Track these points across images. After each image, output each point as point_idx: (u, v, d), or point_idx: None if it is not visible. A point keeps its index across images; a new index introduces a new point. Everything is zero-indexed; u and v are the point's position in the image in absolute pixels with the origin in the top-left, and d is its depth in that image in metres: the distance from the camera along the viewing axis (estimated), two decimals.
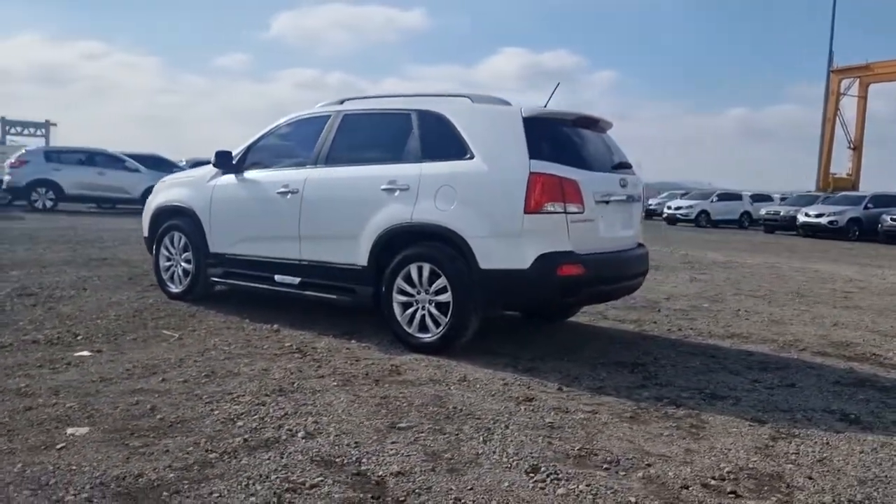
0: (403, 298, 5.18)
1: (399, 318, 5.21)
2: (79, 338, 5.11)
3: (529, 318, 6.45)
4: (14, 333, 5.13)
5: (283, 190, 5.88)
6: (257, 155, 6.29)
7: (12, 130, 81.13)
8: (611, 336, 6.05)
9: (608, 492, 2.90)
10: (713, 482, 3.05)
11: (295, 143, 6.11)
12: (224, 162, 6.35)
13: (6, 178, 19.17)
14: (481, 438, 3.42)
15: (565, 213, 4.84)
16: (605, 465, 3.17)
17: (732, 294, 8.87)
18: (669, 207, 32.38)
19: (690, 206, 31.74)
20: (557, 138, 5.18)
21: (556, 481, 2.97)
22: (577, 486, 2.92)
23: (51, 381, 4.06)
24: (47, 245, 10.50)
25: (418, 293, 5.12)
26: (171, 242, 6.78)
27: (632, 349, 5.52)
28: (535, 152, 4.85)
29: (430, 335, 5.08)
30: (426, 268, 5.06)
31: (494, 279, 4.84)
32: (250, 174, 6.25)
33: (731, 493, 2.95)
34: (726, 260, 13.72)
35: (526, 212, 4.76)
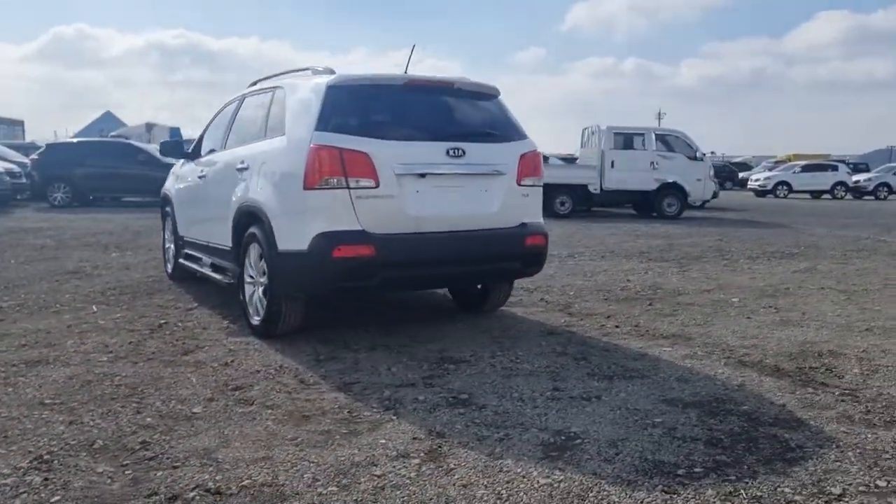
0: (248, 279, 5.07)
1: (243, 299, 5.11)
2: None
3: (462, 307, 5.86)
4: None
5: (200, 174, 6.12)
6: (206, 142, 6.58)
7: None
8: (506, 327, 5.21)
9: None
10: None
11: (220, 128, 6.28)
12: (171, 151, 6.77)
13: None
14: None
15: (348, 188, 4.32)
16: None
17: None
18: (756, 180, 33.43)
19: (768, 178, 32.96)
20: (367, 108, 4.64)
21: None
22: None
23: None
24: None
25: (256, 275, 4.97)
26: (164, 226, 7.42)
27: (494, 341, 4.72)
28: (327, 124, 4.41)
29: (257, 319, 4.92)
30: (255, 249, 4.89)
31: (286, 261, 4.51)
32: (193, 161, 6.57)
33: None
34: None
35: (305, 188, 4.37)
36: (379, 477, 2.77)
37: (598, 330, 5.29)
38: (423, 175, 4.52)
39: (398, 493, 2.65)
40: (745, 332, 5.22)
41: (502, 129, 5.03)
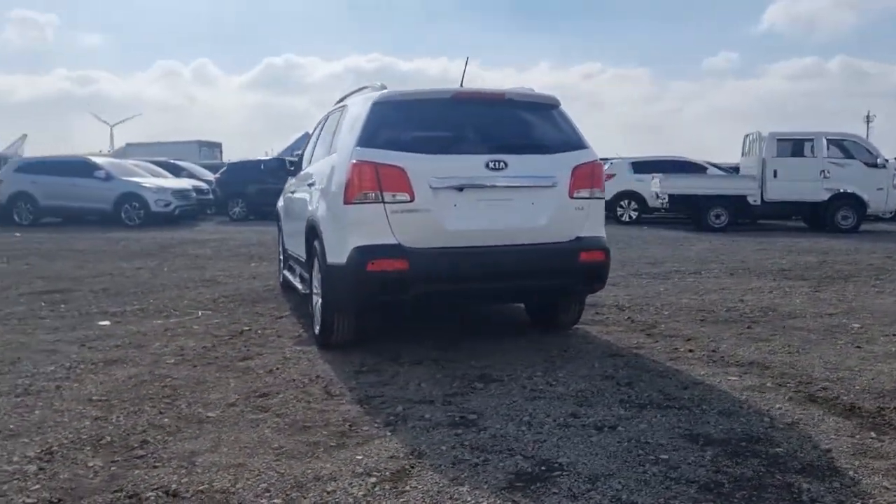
0: (314, 290, 5.28)
1: (311, 309, 5.32)
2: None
3: (535, 322, 5.69)
4: None
5: (292, 191, 6.48)
6: (304, 160, 6.93)
7: None
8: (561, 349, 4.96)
9: None
10: None
11: (310, 146, 6.58)
12: (275, 169, 7.20)
13: None
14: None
15: (383, 202, 4.36)
16: None
17: None
18: None
19: None
20: (409, 123, 4.67)
21: None
22: None
23: None
24: None
25: (317, 286, 5.17)
26: (278, 239, 7.92)
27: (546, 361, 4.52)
28: (369, 140, 4.50)
29: (317, 329, 5.10)
30: (316, 262, 5.09)
31: (332, 274, 4.64)
32: (294, 178, 6.94)
33: None
34: None
35: (345, 202, 4.47)
36: (328, 493, 2.77)
37: (667, 353, 4.89)
38: (460, 188, 4.45)
39: None
40: (840, 363, 4.58)
41: (555, 139, 4.84)
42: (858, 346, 5.01)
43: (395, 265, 4.34)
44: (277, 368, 4.55)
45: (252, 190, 19.58)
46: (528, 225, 4.63)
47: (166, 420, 3.61)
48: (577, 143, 4.87)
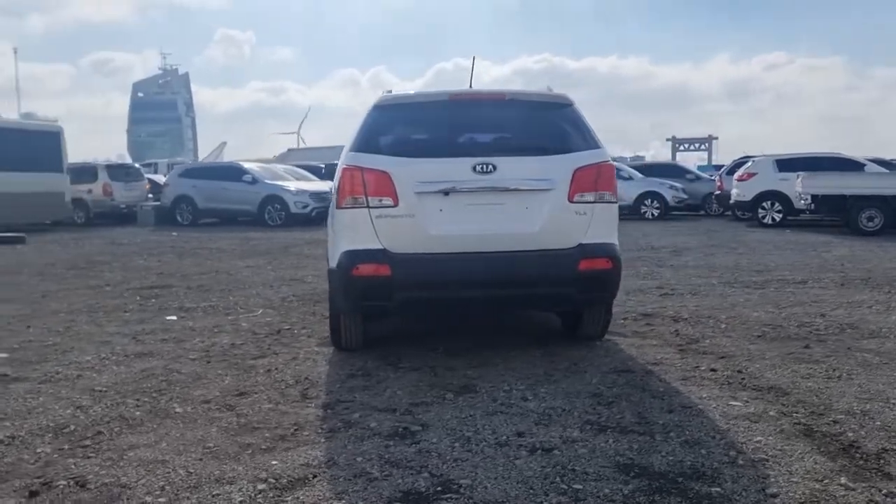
0: None
1: None
2: None
3: (568, 331, 5.42)
4: None
5: None
6: None
7: (681, 147, 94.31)
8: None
9: None
10: None
11: None
12: None
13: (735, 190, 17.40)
14: None
15: (368, 207, 4.35)
16: None
17: None
18: None
19: None
20: (404, 126, 4.65)
21: None
22: None
23: None
24: None
25: None
26: None
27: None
28: (362, 145, 4.52)
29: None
30: None
31: (330, 278, 4.71)
32: None
33: None
34: None
35: (337, 207, 4.53)
36: (212, 496, 2.82)
37: (684, 372, 4.47)
38: (446, 193, 4.34)
39: None
40: (879, 393, 3.95)
41: (557, 141, 4.59)
42: None
43: (379, 270, 4.32)
44: (278, 368, 4.69)
45: None
46: (521, 230, 4.42)
47: (137, 413, 3.85)
48: (583, 145, 4.58)
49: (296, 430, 3.58)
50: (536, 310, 5.43)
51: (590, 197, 4.47)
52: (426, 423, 3.60)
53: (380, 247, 4.36)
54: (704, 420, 3.59)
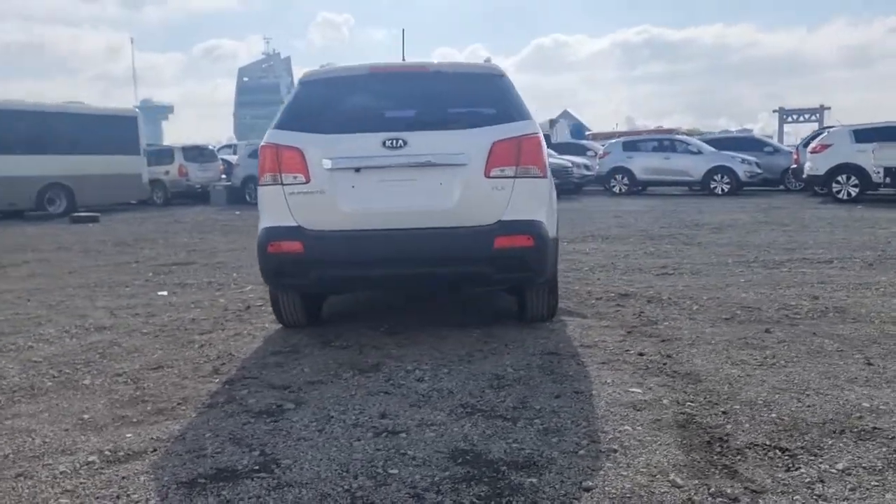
0: None
1: None
2: None
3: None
4: None
5: None
6: None
7: (789, 119, 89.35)
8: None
9: None
10: None
11: None
12: None
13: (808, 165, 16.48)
14: None
15: (282, 184, 4.33)
16: None
17: None
18: None
19: None
20: (322, 102, 4.55)
21: None
22: None
23: None
24: None
25: None
26: None
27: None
28: (283, 121, 4.50)
29: None
30: None
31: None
32: None
33: None
34: None
35: (258, 185, 4.53)
36: (43, 466, 2.91)
37: (609, 355, 4.24)
38: (357, 169, 4.26)
39: (25, 483, 2.76)
40: (804, 383, 3.61)
41: (478, 114, 4.43)
42: (870, 364, 3.89)
43: (292, 248, 4.30)
44: (212, 343, 4.79)
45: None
46: (435, 207, 4.28)
47: (48, 384, 4.02)
48: (506, 117, 4.37)
49: (178, 404, 3.64)
50: (457, 289, 5.26)
51: (510, 171, 4.27)
52: (302, 402, 3.58)
53: (294, 224, 4.34)
54: (585, 407, 3.39)
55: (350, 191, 4.30)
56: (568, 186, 19.50)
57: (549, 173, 4.49)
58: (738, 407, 3.31)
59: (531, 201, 4.36)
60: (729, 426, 3.09)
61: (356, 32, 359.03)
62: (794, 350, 4.21)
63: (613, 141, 22.54)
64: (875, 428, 3.00)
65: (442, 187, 4.28)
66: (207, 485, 2.69)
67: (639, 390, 3.60)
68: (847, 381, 3.62)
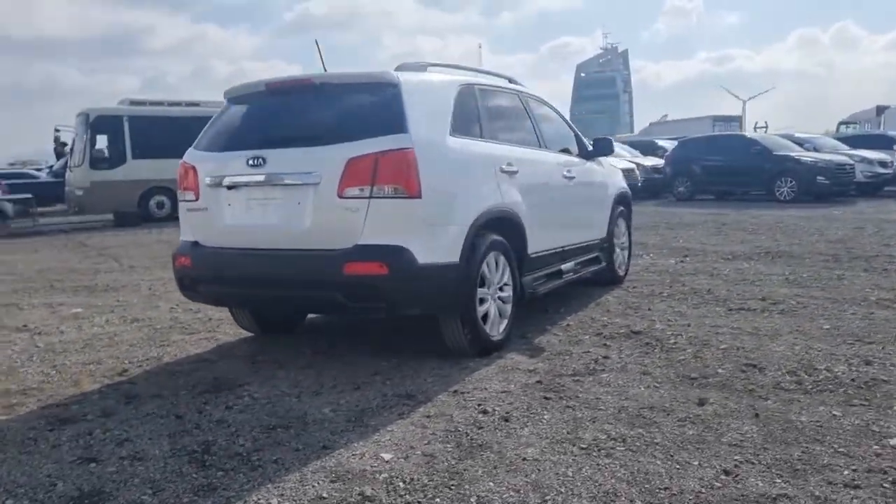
0: None
1: None
2: None
3: None
4: None
5: None
6: None
7: None
8: None
9: None
10: None
11: None
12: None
13: None
14: None
15: (185, 200, 4.54)
16: None
17: None
18: None
19: None
20: (230, 119, 4.66)
21: None
22: None
23: None
24: None
25: None
26: None
27: None
28: (200, 138, 4.65)
29: None
30: None
31: None
32: None
33: None
34: None
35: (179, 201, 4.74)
36: None
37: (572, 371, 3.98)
38: (230, 187, 4.25)
39: None
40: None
41: (338, 128, 4.17)
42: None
43: (184, 262, 4.47)
44: (154, 337, 5.14)
45: (696, 168, 18.15)
46: (292, 228, 4.06)
47: None
48: (375, 131, 3.96)
49: (63, 403, 3.76)
50: (324, 314, 5.11)
51: (365, 191, 3.88)
52: (176, 416, 3.55)
53: (193, 239, 4.49)
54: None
55: (227, 208, 4.29)
56: (845, 188, 16.64)
57: (436, 192, 3.98)
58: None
59: (394, 224, 3.90)
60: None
61: (705, 19, 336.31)
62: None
63: None
64: None
65: (299, 207, 4.02)
66: None
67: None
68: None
